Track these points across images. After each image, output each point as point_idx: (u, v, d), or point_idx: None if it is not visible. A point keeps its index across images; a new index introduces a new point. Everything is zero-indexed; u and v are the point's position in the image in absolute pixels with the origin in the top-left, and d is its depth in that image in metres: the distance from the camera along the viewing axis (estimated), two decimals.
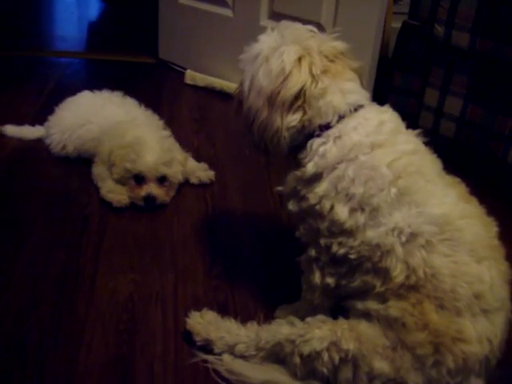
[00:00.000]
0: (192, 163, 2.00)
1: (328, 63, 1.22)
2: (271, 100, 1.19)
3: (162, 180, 1.81)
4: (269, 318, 1.35)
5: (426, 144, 1.22)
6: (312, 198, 1.18)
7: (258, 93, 1.20)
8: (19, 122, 2.17)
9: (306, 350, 1.15)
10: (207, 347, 1.30)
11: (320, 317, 1.20)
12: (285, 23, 1.28)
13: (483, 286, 1.07)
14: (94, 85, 2.17)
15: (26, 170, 1.97)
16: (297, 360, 1.17)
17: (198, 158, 2.05)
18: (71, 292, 1.45)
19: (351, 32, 2.25)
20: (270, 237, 1.75)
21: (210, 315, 1.34)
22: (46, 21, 3.92)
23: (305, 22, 2.33)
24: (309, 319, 1.20)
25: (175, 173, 1.85)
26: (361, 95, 1.24)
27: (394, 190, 1.11)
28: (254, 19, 2.53)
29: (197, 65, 2.82)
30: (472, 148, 2.09)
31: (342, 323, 1.15)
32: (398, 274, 1.09)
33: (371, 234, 1.12)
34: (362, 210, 1.13)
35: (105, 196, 1.80)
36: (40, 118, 2.16)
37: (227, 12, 2.66)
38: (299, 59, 1.18)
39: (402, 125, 1.23)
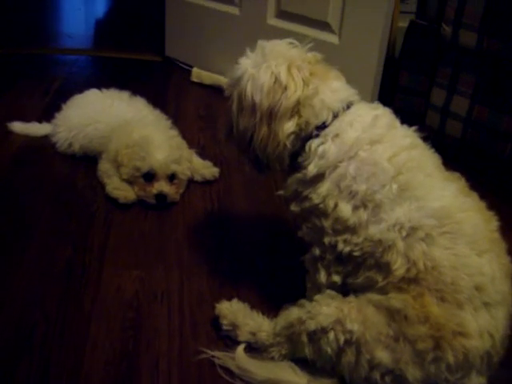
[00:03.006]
0: (196, 160, 2.00)
1: (313, 67, 1.24)
2: (270, 114, 1.20)
3: (171, 178, 1.81)
4: (273, 315, 1.35)
5: (424, 139, 1.22)
6: (315, 198, 1.19)
7: (252, 111, 1.22)
8: (26, 119, 2.18)
9: (312, 326, 1.16)
10: (232, 333, 1.32)
11: (330, 292, 1.21)
12: (262, 42, 1.29)
13: (484, 278, 1.07)
14: (100, 82, 2.17)
15: (32, 167, 1.97)
16: (304, 338, 1.18)
17: (204, 156, 2.06)
18: (77, 288, 1.45)
19: (358, 31, 2.25)
20: (276, 234, 1.75)
21: (239, 305, 1.37)
22: (52, 18, 3.93)
23: (312, 21, 2.34)
24: (317, 297, 1.21)
25: (184, 170, 1.86)
26: (350, 92, 1.26)
27: (395, 186, 1.12)
28: (261, 17, 2.53)
29: (203, 63, 2.83)
30: (478, 148, 2.09)
31: (351, 301, 1.15)
32: (399, 267, 1.10)
33: (373, 230, 1.13)
34: (365, 206, 1.14)
35: (111, 193, 1.81)
36: (47, 115, 2.17)
37: (234, 10, 2.66)
38: (288, 68, 1.20)
39: (395, 119, 1.24)
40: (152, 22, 3.40)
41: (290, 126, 1.21)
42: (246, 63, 1.26)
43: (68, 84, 2.63)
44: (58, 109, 2.08)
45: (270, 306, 1.41)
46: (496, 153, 2.04)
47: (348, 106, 1.22)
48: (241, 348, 1.27)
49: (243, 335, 1.31)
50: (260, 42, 1.29)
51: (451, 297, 1.06)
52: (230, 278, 1.53)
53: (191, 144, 2.03)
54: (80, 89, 2.13)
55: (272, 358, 1.27)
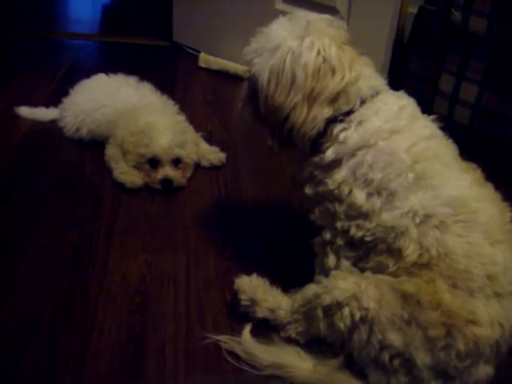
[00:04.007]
0: (204, 146, 2.00)
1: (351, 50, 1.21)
2: (313, 96, 1.16)
3: (176, 162, 1.82)
4: None
5: (441, 129, 1.22)
6: (331, 184, 1.19)
7: (290, 88, 1.17)
8: (33, 103, 2.18)
9: (327, 299, 1.15)
10: (250, 308, 1.31)
11: (348, 266, 1.20)
12: (299, 13, 1.24)
13: (497, 267, 1.07)
14: (108, 67, 2.17)
15: (39, 152, 1.97)
16: (319, 313, 1.18)
17: (211, 142, 2.05)
18: (84, 273, 1.46)
19: (367, 17, 2.24)
20: (283, 220, 1.75)
21: (259, 280, 1.35)
22: (59, 2, 3.91)
23: (320, 6, 2.32)
24: (334, 272, 1.20)
25: (189, 154, 1.86)
26: (380, 81, 1.25)
27: (411, 175, 1.12)
28: (269, 2, 2.51)
29: (210, 48, 2.81)
30: (487, 135, 2.07)
31: (369, 276, 1.15)
32: (411, 253, 1.10)
33: (387, 217, 1.13)
34: (379, 194, 1.14)
35: (118, 178, 1.81)
36: (54, 100, 2.17)
37: None
38: (338, 49, 1.16)
39: (418, 110, 1.23)
40: (159, 7, 3.38)
41: (328, 111, 1.18)
42: (282, 33, 1.19)
43: (75, 69, 2.62)
44: (66, 94, 2.08)
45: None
46: (505, 140, 2.02)
47: (375, 94, 1.20)
48: (247, 332, 1.27)
49: (261, 311, 1.30)
50: (297, 13, 1.24)
51: (463, 284, 1.06)
52: (237, 264, 1.53)
53: (198, 129, 2.03)
54: (87, 74, 2.13)
55: (288, 337, 1.28)
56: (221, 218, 1.74)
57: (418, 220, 1.10)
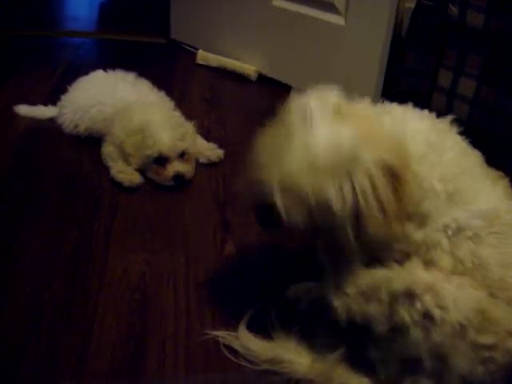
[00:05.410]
0: (201, 142, 2.00)
1: None
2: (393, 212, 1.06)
3: (182, 155, 1.83)
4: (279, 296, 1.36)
5: (461, 134, 1.21)
6: None
7: (376, 207, 1.04)
8: (32, 102, 2.18)
9: (400, 286, 1.06)
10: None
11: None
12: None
13: None
14: (106, 65, 2.16)
15: (38, 150, 1.98)
16: (384, 297, 1.09)
17: (209, 139, 2.06)
18: (83, 272, 1.46)
19: (364, 12, 2.23)
20: None
21: None
22: (57, 0, 3.90)
23: (317, 1, 2.31)
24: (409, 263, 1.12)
25: (191, 145, 1.87)
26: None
27: (444, 196, 1.09)
28: None
29: (208, 45, 2.81)
30: (485, 130, 2.07)
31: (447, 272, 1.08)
32: (445, 265, 1.08)
33: (418, 236, 1.10)
34: (411, 219, 1.10)
35: (115, 177, 1.81)
36: (52, 98, 2.16)
37: None
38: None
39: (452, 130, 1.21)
40: (157, 5, 3.37)
41: None
42: (340, 140, 1.03)
43: (73, 67, 2.62)
44: (64, 92, 2.07)
45: (276, 287, 1.41)
46: (503, 135, 2.02)
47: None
48: (243, 327, 1.28)
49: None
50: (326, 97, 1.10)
51: (501, 293, 1.04)
52: (236, 260, 1.54)
53: (196, 126, 2.03)
54: (85, 71, 2.12)
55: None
56: (220, 214, 1.74)
57: (450, 232, 1.08)
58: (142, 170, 1.84)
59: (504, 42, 1.94)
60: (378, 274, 1.12)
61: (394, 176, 1.03)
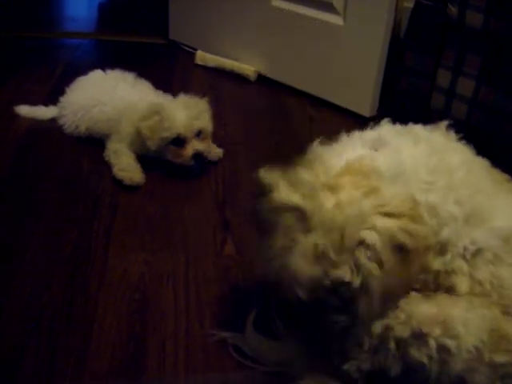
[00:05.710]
0: None
1: None
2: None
3: (198, 134, 1.84)
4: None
5: (460, 139, 1.20)
6: None
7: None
8: (31, 102, 2.18)
9: (405, 332, 1.00)
10: None
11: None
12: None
13: None
14: (104, 66, 2.16)
15: (38, 151, 1.98)
16: (391, 346, 1.02)
17: None
18: (83, 272, 1.46)
19: (363, 12, 2.24)
20: None
21: None
22: (55, 1, 3.90)
23: (316, 1, 2.31)
24: (404, 300, 1.05)
25: (206, 123, 1.88)
26: None
27: (461, 218, 1.05)
28: None
29: (207, 45, 2.81)
30: (484, 130, 2.07)
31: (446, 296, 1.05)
32: (464, 288, 1.05)
33: (438, 264, 1.06)
34: (429, 248, 1.05)
35: (116, 174, 1.81)
36: (52, 98, 2.16)
37: None
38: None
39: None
40: (156, 5, 3.38)
41: None
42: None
43: (72, 68, 2.62)
44: (63, 92, 2.08)
45: None
46: (501, 135, 2.02)
47: None
48: (251, 328, 1.26)
49: None
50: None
51: None
52: (236, 261, 1.54)
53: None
54: (84, 72, 2.13)
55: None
56: (219, 215, 1.74)
57: (468, 255, 1.04)
58: (159, 156, 1.85)
59: (503, 42, 1.94)
60: (377, 327, 1.04)
61: (404, 251, 0.97)
